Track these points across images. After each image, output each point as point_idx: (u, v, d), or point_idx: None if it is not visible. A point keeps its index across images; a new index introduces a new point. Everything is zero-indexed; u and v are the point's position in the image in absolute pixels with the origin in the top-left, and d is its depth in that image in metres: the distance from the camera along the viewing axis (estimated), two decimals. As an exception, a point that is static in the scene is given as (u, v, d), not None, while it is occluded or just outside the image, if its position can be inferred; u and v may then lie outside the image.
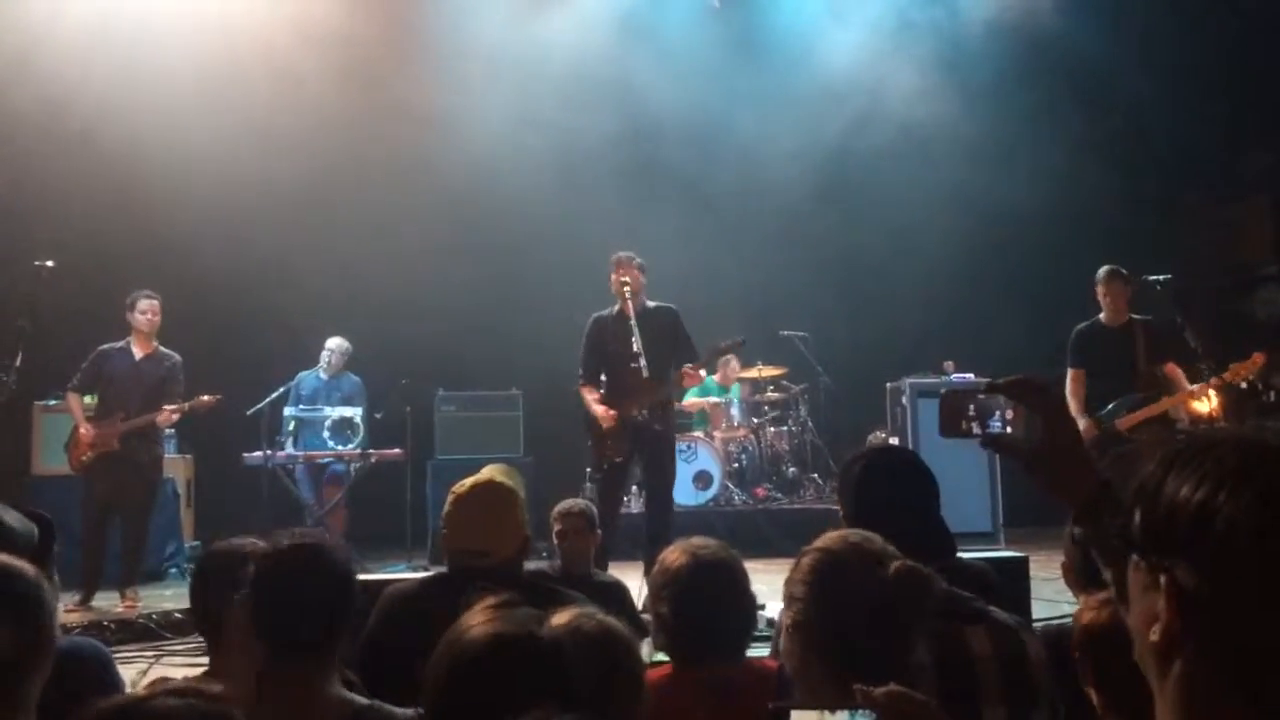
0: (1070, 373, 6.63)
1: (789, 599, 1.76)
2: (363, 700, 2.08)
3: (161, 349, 7.03)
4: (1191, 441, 0.95)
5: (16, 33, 8.28)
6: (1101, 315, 6.65)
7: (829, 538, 1.79)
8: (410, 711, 1.97)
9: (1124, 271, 6.57)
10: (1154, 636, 0.93)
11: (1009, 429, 1.53)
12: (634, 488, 7.52)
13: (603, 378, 6.34)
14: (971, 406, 1.55)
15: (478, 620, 1.64)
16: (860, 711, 1.17)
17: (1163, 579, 0.92)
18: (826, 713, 1.18)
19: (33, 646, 1.78)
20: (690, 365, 6.19)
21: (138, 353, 6.95)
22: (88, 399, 7.05)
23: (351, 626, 2.20)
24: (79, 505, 6.74)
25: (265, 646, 2.06)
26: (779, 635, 2.02)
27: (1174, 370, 6.45)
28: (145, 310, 6.90)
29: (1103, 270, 6.61)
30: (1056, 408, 1.46)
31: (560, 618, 1.80)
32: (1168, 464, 0.95)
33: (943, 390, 1.56)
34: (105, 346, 6.98)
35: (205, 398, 6.98)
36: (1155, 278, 6.65)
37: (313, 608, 2.07)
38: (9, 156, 8.37)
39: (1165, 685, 0.93)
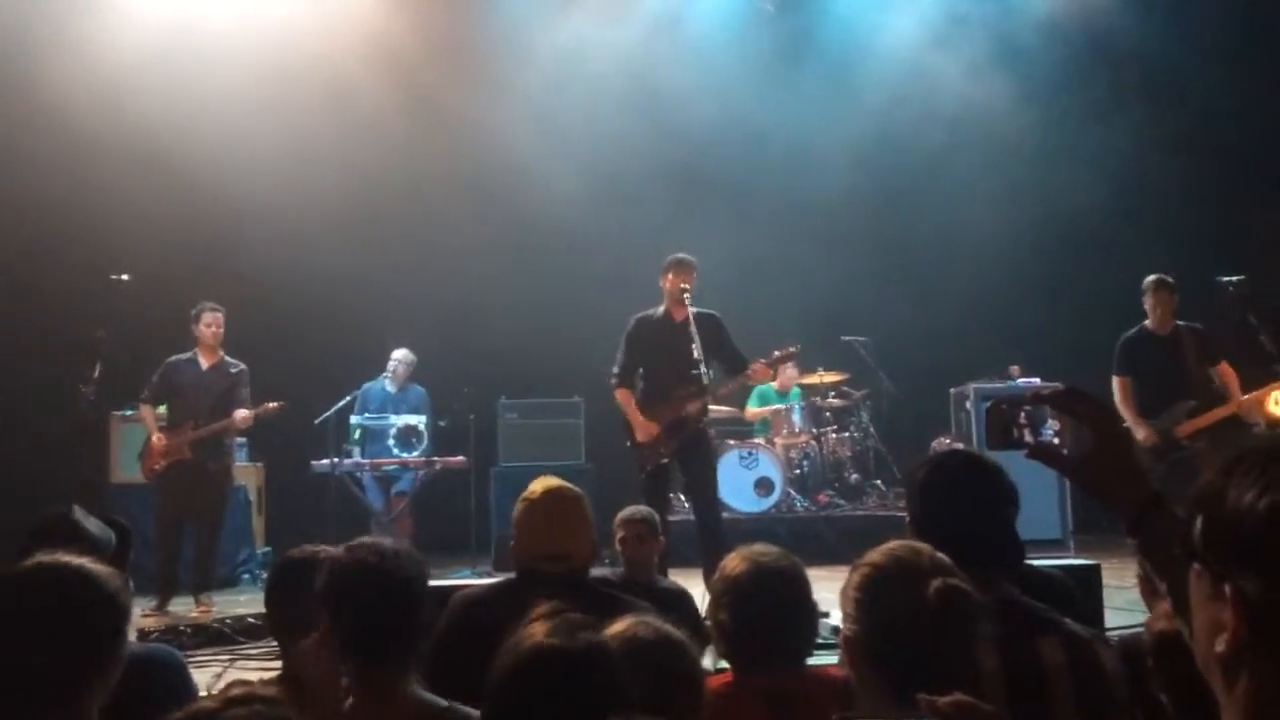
0: (1118, 380, 6.62)
1: (844, 613, 1.76)
2: (442, 703, 2.11)
3: (227, 358, 7.21)
4: (1252, 448, 0.94)
5: (91, 44, 8.54)
6: (1147, 323, 6.67)
7: (878, 551, 1.78)
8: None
9: (1170, 280, 6.60)
10: (1220, 647, 0.91)
11: (1057, 439, 1.52)
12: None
13: (640, 377, 6.36)
14: (1020, 416, 1.54)
15: (536, 629, 1.66)
16: None
17: (1228, 588, 0.90)
18: None
19: (104, 651, 1.83)
20: (757, 363, 6.21)
21: (204, 363, 7.14)
22: (159, 410, 7.24)
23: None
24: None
25: (346, 653, 2.10)
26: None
27: (1227, 370, 6.43)
28: (210, 323, 7.10)
29: (1149, 280, 6.66)
30: (1105, 418, 1.45)
31: (618, 626, 1.82)
32: (1228, 471, 0.93)
33: (989, 402, 1.54)
34: (173, 358, 7.17)
35: (272, 405, 7.15)
36: (1228, 279, 6.52)
37: (388, 613, 2.11)
38: (85, 174, 8.64)
39: (1233, 695, 0.92)
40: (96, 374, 6.99)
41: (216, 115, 8.71)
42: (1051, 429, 1.54)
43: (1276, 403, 8.01)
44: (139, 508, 6.87)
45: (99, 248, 8.30)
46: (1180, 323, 6.59)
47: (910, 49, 9.90)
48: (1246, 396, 6.32)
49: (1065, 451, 1.50)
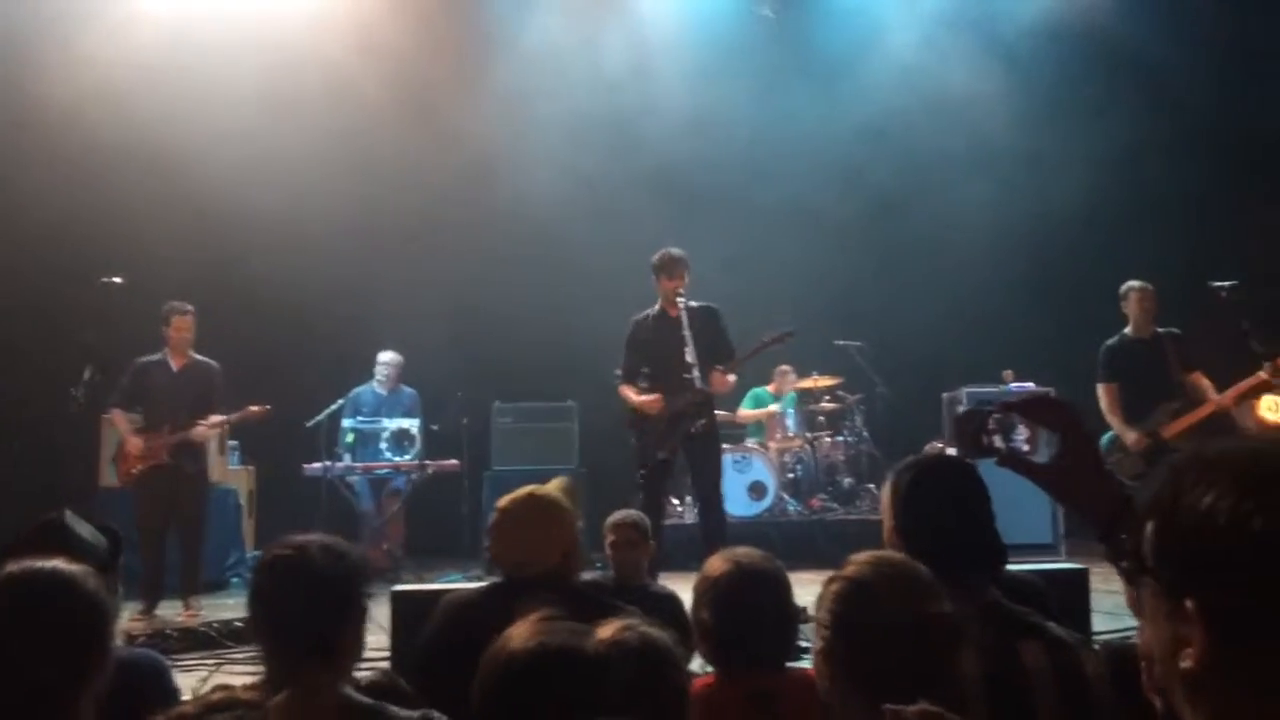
0: (1103, 387, 6.70)
1: (817, 624, 1.75)
2: (368, 702, 2.09)
3: (198, 358, 7.09)
4: (1196, 453, 0.90)
5: (87, 47, 8.54)
6: (1128, 329, 6.77)
7: (853, 563, 1.78)
8: (416, 714, 1.98)
9: (1149, 286, 6.71)
10: (1186, 664, 0.86)
11: (1026, 446, 1.51)
12: (688, 498, 7.51)
13: (644, 374, 6.34)
14: (990, 423, 1.53)
15: (520, 633, 1.65)
16: None
17: (1190, 603, 0.85)
18: None
19: (91, 655, 1.82)
20: (720, 367, 6.16)
21: (175, 364, 7.03)
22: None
23: (363, 626, 2.21)
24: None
25: (266, 652, 2.08)
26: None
27: (1200, 379, 6.54)
28: (179, 326, 6.97)
29: (1128, 285, 6.77)
30: (1072, 425, 1.44)
31: (604, 630, 1.80)
32: (1179, 479, 0.89)
33: (959, 410, 1.53)
34: (142, 360, 7.05)
35: (254, 408, 7.06)
36: (1220, 284, 6.53)
37: (310, 612, 2.07)
38: (77, 175, 8.63)
39: (1198, 714, 0.87)
40: (87, 377, 6.94)
41: (209, 117, 8.71)
42: (1021, 436, 1.53)
43: (1269, 408, 8.03)
44: (128, 511, 6.81)
45: (90, 250, 8.27)
46: (1159, 329, 6.69)
47: (904, 54, 9.92)
48: (1228, 392, 6.42)
49: (1035, 459, 1.49)
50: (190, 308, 7.06)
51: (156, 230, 8.56)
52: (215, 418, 6.96)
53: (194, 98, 8.76)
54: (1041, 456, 1.47)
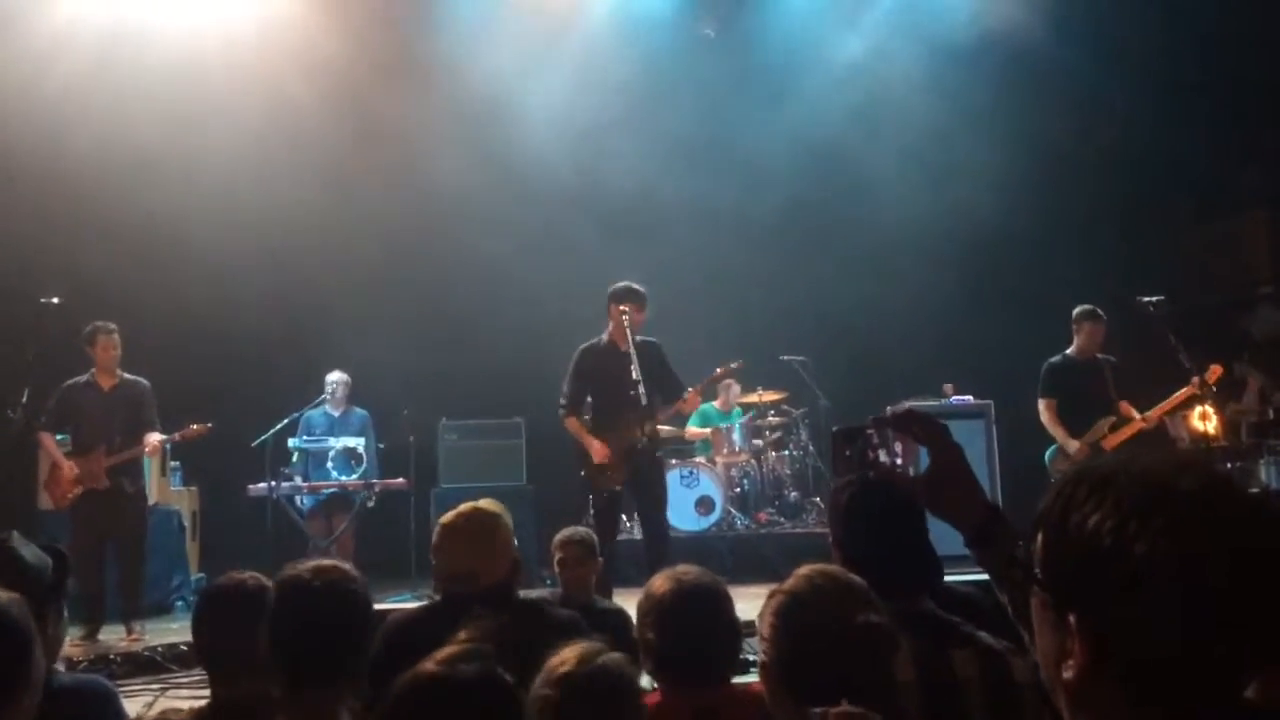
0: (1044, 402, 7.05)
1: (760, 638, 1.81)
2: None
3: (126, 376, 6.97)
4: (1083, 475, 0.93)
5: (18, 67, 8.39)
6: (1071, 350, 7.09)
7: (794, 578, 1.85)
8: None
9: (1100, 312, 7.03)
10: (1068, 674, 0.90)
11: (899, 461, 1.58)
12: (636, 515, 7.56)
13: (588, 405, 6.46)
14: (861, 440, 1.59)
15: (430, 659, 1.68)
16: None
17: (1071, 618, 0.89)
18: None
19: (15, 682, 1.82)
20: (690, 390, 6.36)
21: (104, 385, 6.91)
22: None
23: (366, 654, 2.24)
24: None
25: (283, 673, 2.10)
26: None
27: (1125, 408, 6.92)
28: (106, 345, 6.83)
29: (1082, 309, 7.08)
30: (939, 437, 1.49)
31: (558, 658, 1.83)
32: (1067, 495, 0.92)
33: (834, 428, 1.60)
34: (70, 382, 6.91)
35: (195, 426, 6.98)
36: (1148, 299, 6.76)
37: (334, 635, 2.11)
38: (12, 194, 8.48)
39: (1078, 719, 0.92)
40: (24, 399, 6.83)
41: (150, 134, 8.58)
42: (893, 452, 1.60)
43: (1200, 417, 8.30)
44: (64, 534, 6.68)
45: (27, 270, 8.14)
46: (1099, 354, 7.04)
47: (842, 72, 10.07)
48: (1152, 411, 6.80)
49: (908, 473, 1.56)
50: (114, 327, 6.92)
51: (96, 250, 8.42)
52: (157, 436, 6.86)
53: (133, 114, 8.63)
54: (914, 470, 1.54)
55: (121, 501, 6.81)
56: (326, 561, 2.26)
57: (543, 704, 1.73)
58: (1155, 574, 0.84)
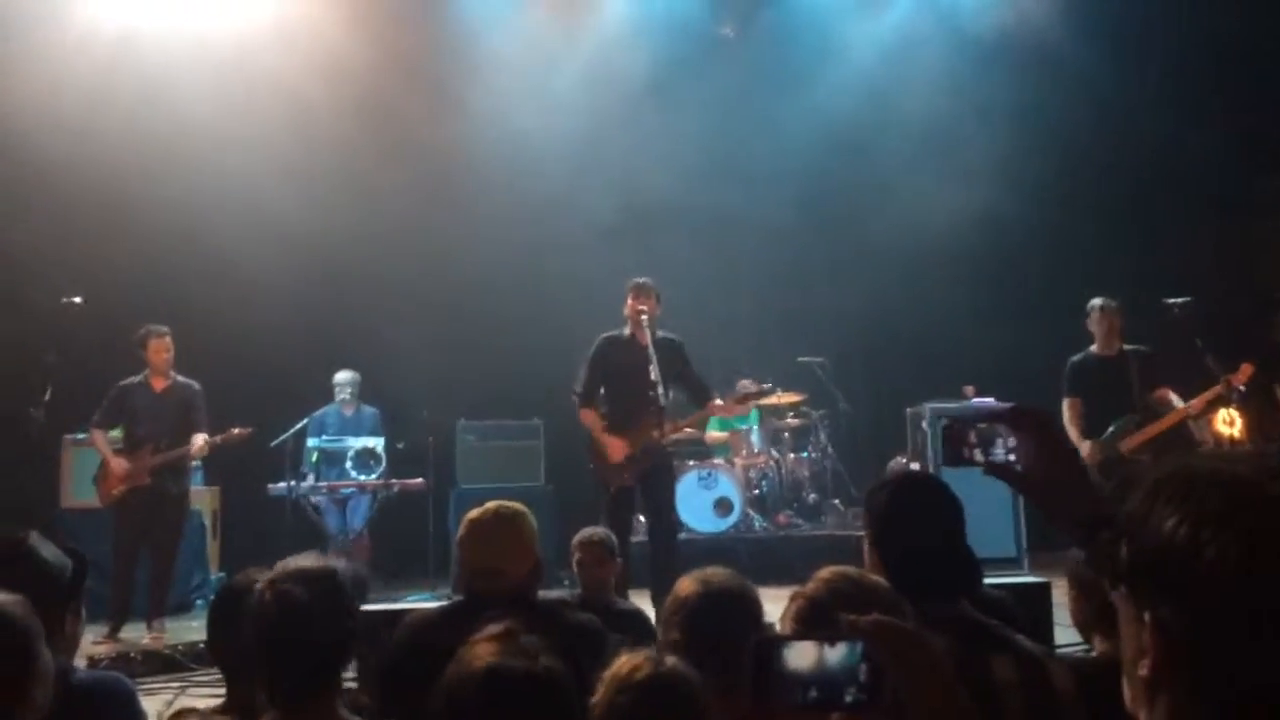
0: (1067, 401, 6.82)
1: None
2: None
3: (179, 379, 7.11)
4: (1177, 471, 0.95)
5: (41, 75, 8.44)
6: (1093, 346, 6.87)
7: (815, 581, 1.85)
8: None
9: (1114, 303, 6.78)
10: (1142, 671, 0.94)
11: (1012, 456, 1.54)
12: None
13: (602, 398, 6.41)
14: (973, 435, 1.56)
15: (483, 650, 1.66)
16: (848, 641, 1.17)
17: (1147, 616, 0.92)
18: (813, 643, 1.18)
19: (21, 682, 1.82)
20: (720, 402, 6.43)
21: (156, 386, 7.05)
22: (112, 434, 7.13)
23: (359, 648, 2.22)
24: (107, 538, 6.80)
25: (266, 683, 2.08)
26: None
27: (1164, 394, 6.62)
28: (158, 348, 6.99)
29: (1093, 302, 6.85)
30: (1053, 435, 1.47)
31: (626, 663, 1.80)
32: (1153, 495, 0.95)
33: (944, 420, 1.56)
34: (125, 382, 7.07)
35: (237, 430, 7.07)
36: (1174, 301, 6.66)
37: (318, 649, 2.08)
38: (35, 196, 8.52)
39: (1151, 717, 0.95)
40: (47, 397, 6.88)
41: (170, 136, 8.64)
42: (1005, 447, 1.56)
43: (1224, 421, 8.19)
44: (89, 533, 6.76)
45: (50, 270, 8.18)
46: (1127, 346, 6.77)
47: (861, 72, 10.04)
48: (1190, 403, 6.50)
49: (1019, 469, 1.52)
50: (166, 329, 7.07)
51: (117, 251, 8.48)
52: (203, 437, 6.94)
53: (154, 117, 8.68)
54: (1024, 466, 1.51)
55: (165, 502, 6.92)
56: (307, 564, 2.19)
57: (609, 709, 1.72)
58: (1222, 577, 0.87)
